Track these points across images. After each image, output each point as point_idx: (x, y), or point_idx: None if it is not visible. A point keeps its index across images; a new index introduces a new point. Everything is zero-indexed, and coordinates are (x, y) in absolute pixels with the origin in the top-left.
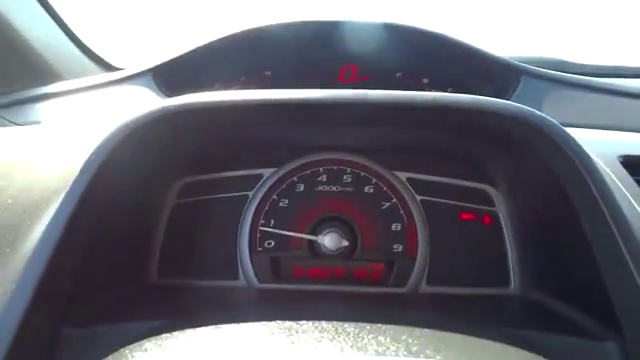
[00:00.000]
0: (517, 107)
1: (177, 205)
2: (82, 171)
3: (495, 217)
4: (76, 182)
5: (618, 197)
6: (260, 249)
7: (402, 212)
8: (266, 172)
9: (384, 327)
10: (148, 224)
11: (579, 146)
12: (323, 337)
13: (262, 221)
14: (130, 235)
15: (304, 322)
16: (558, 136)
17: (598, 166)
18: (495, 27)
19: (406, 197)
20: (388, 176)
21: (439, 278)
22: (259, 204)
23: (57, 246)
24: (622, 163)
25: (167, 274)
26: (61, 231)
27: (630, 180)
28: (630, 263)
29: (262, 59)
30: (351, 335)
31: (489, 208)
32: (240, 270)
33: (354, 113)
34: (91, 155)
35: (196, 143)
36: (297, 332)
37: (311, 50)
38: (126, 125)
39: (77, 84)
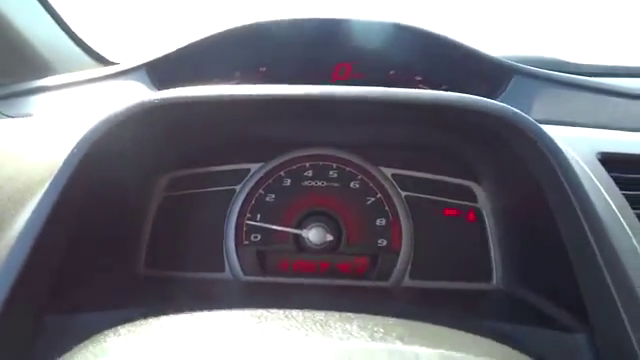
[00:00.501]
0: (493, 104)
1: (165, 198)
2: (65, 163)
3: (479, 213)
4: (59, 174)
5: (592, 194)
6: (246, 242)
7: (387, 207)
8: (253, 167)
9: (354, 315)
10: (136, 216)
11: (553, 142)
12: (291, 324)
13: (248, 215)
14: (117, 227)
15: (275, 310)
16: (532, 132)
17: (572, 162)
18: (495, 26)
19: (391, 193)
20: (374, 172)
21: (422, 272)
22: (246, 198)
23: (39, 236)
24: (600, 160)
25: (154, 266)
26: (43, 221)
27: (606, 176)
28: (600, 259)
29: (257, 55)
30: (318, 323)
31: (473, 204)
32: (226, 263)
33: (335, 109)
34: (74, 148)
35: (182, 137)
36: (266, 319)
37: (306, 47)
38: (108, 119)
39: (71, 78)
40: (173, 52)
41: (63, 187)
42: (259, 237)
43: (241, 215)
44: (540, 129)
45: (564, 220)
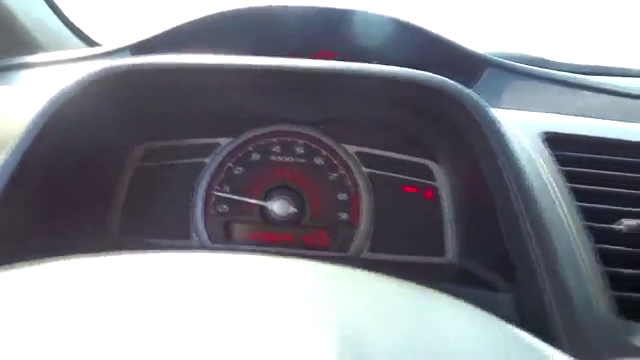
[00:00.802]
0: (421, 74)
1: (140, 168)
2: (32, 123)
3: (436, 191)
4: (25, 134)
5: (528, 166)
6: (214, 213)
7: (349, 183)
8: (223, 141)
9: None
10: (109, 183)
11: (489, 113)
12: (234, 262)
13: (217, 187)
14: (90, 193)
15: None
16: (470, 104)
17: (509, 134)
18: (490, 24)
19: (354, 169)
20: (337, 149)
21: (381, 246)
22: (215, 171)
23: (3, 190)
24: (544, 140)
25: (128, 232)
26: (7, 178)
27: (547, 154)
28: (528, 227)
29: (240, 41)
30: (263, 261)
31: (430, 183)
32: (193, 232)
33: (280, 80)
34: (40, 109)
35: (153, 108)
36: (212, 258)
37: (289, 34)
38: (77, 81)
39: (55, 57)
40: (157, 35)
41: (28, 146)
42: (227, 208)
43: (210, 187)
44: (478, 100)
45: (496, 188)
